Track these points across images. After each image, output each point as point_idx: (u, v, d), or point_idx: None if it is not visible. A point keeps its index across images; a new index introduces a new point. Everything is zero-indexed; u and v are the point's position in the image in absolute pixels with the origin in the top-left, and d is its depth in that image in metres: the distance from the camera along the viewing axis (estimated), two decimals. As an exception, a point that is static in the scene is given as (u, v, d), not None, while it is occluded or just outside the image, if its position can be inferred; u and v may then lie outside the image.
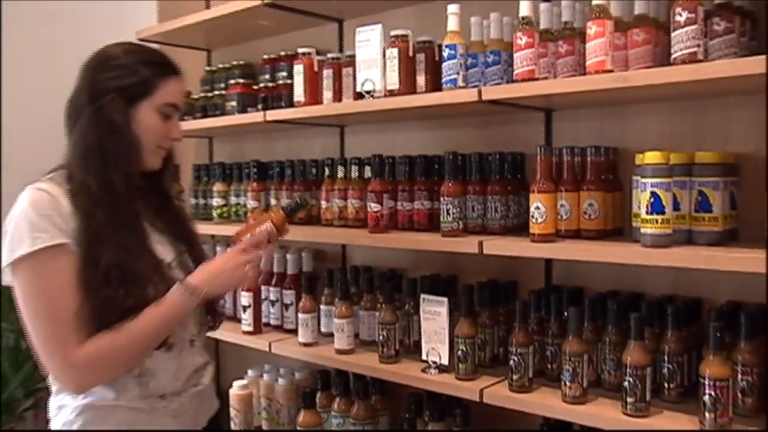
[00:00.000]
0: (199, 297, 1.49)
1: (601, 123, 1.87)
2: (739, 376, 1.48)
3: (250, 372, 2.53)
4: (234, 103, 2.40)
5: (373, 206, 1.98)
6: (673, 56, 1.45)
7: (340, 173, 2.20)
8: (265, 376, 2.45)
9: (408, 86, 1.88)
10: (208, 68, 2.78)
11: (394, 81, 1.88)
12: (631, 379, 1.52)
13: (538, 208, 1.65)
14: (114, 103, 1.47)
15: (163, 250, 1.56)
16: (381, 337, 1.99)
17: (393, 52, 1.88)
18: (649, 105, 1.78)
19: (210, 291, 1.52)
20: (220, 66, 2.70)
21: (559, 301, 1.76)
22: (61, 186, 1.46)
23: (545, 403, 1.63)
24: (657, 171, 1.49)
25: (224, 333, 2.42)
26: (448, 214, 1.81)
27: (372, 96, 1.94)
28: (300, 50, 2.17)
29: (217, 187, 2.50)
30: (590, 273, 1.88)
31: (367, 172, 2.14)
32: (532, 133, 1.99)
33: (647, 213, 1.50)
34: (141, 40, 2.70)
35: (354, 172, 2.17)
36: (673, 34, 1.45)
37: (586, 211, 1.70)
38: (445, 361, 1.87)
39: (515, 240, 1.71)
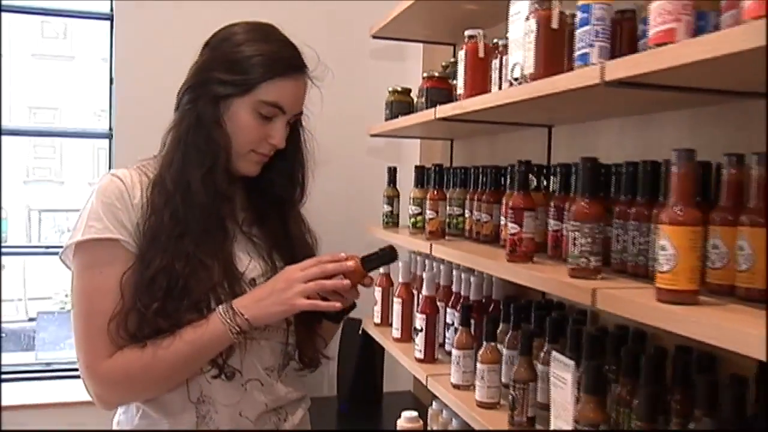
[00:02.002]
0: (241, 323, 1.28)
1: None
2: None
3: (434, 404, 2.24)
4: (423, 100, 2.13)
5: (512, 227, 1.52)
6: None
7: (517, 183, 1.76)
8: (444, 413, 2.14)
9: (551, 68, 1.38)
10: (443, 63, 2.55)
11: (530, 63, 1.41)
12: None
13: (664, 248, 1.04)
14: (209, 94, 1.34)
15: (251, 263, 1.40)
16: (510, 398, 1.53)
17: (530, 25, 1.41)
18: None
19: (253, 316, 1.29)
20: (452, 60, 2.45)
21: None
22: (146, 175, 1.36)
23: None
24: None
25: (399, 355, 2.19)
26: (574, 244, 1.28)
27: (519, 83, 1.49)
28: (467, 33, 1.80)
29: (414, 193, 2.26)
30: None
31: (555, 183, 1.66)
32: (746, 132, 1.29)
33: (823, 275, 0.81)
34: (375, 37, 2.63)
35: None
36: None
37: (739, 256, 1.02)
38: (569, 448, 1.34)
39: (647, 293, 1.11)
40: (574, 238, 1.28)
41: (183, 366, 1.30)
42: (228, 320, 1.28)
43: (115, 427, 1.43)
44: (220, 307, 1.30)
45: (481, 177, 2.02)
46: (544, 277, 1.34)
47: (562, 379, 1.37)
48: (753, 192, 1.08)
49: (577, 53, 1.26)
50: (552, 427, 1.41)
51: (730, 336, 0.88)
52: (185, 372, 1.32)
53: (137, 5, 3.09)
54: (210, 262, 1.33)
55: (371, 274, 1.40)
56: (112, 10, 3.15)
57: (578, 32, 1.26)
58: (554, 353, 1.41)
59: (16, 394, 3.05)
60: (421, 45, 3.06)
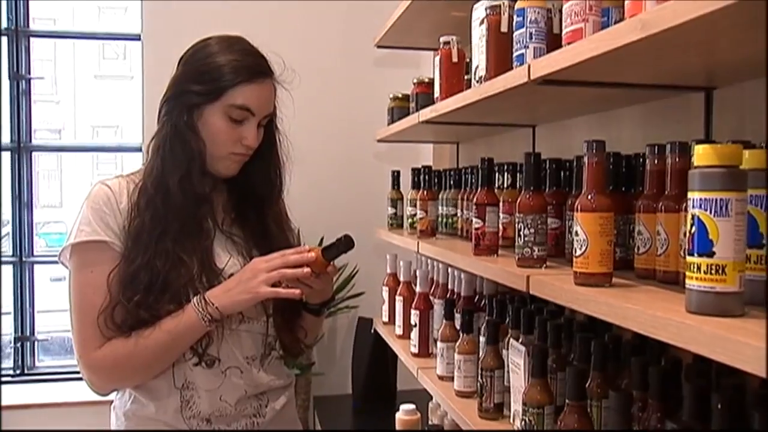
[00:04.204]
0: (212, 312, 1.39)
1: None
2: None
3: (435, 398, 2.31)
4: (414, 105, 2.22)
5: (476, 222, 1.60)
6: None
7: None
8: (442, 406, 2.21)
9: (500, 70, 1.45)
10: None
11: (482, 66, 1.49)
12: None
13: (577, 234, 1.10)
14: (184, 104, 1.45)
15: (231, 260, 1.51)
16: (478, 385, 1.60)
17: (482, 30, 1.49)
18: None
19: (222, 305, 1.40)
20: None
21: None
22: (132, 182, 1.49)
23: None
24: (706, 180, 0.85)
25: (400, 351, 2.27)
26: (519, 235, 1.35)
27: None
28: (441, 39, 1.88)
29: (411, 195, 2.35)
30: None
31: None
32: (690, 124, 1.34)
33: (689, 253, 0.87)
34: (379, 46, 2.74)
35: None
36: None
37: (682, 242, 1.07)
38: (523, 431, 1.40)
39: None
40: (519, 230, 1.35)
41: (163, 353, 1.43)
42: (200, 309, 1.40)
43: (111, 411, 1.57)
44: (194, 297, 1.42)
45: (470, 177, 2.10)
46: (494, 267, 1.41)
47: (517, 365, 1.44)
48: (669, 180, 1.13)
49: (514, 54, 1.34)
50: (512, 411, 1.48)
51: (615, 312, 0.94)
52: (166, 359, 1.45)
53: (165, 25, 3.29)
54: (188, 259, 1.45)
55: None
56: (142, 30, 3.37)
57: (515, 35, 1.33)
58: (512, 340, 1.48)
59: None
60: (431, 53, 3.14)
